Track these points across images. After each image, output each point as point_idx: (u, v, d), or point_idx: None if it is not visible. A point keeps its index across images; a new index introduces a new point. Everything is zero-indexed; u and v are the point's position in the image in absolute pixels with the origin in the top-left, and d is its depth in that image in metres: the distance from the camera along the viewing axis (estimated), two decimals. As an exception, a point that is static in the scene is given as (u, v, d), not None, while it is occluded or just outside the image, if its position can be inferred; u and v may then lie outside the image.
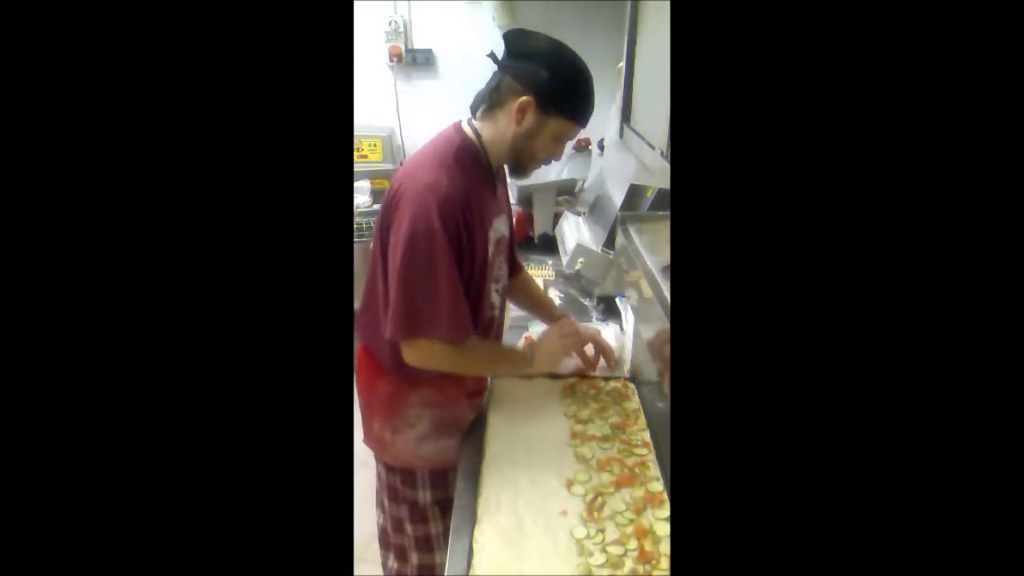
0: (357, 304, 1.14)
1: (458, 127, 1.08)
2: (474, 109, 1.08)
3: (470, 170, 1.04)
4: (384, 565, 1.34)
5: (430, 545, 1.23)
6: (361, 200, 2.49)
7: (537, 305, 1.41)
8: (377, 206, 1.87)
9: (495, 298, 1.18)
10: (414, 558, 1.25)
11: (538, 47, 1.00)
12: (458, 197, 0.98)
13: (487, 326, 1.17)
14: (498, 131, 1.04)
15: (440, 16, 2.68)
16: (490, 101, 1.04)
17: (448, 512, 1.17)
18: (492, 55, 1.03)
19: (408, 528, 1.23)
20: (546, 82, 0.98)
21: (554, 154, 1.07)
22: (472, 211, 1.01)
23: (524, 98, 0.99)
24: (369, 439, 1.21)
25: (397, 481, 1.20)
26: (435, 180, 0.97)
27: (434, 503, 1.20)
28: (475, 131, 1.06)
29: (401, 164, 1.07)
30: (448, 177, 0.98)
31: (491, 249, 1.10)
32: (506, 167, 1.11)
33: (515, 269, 1.35)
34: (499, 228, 1.14)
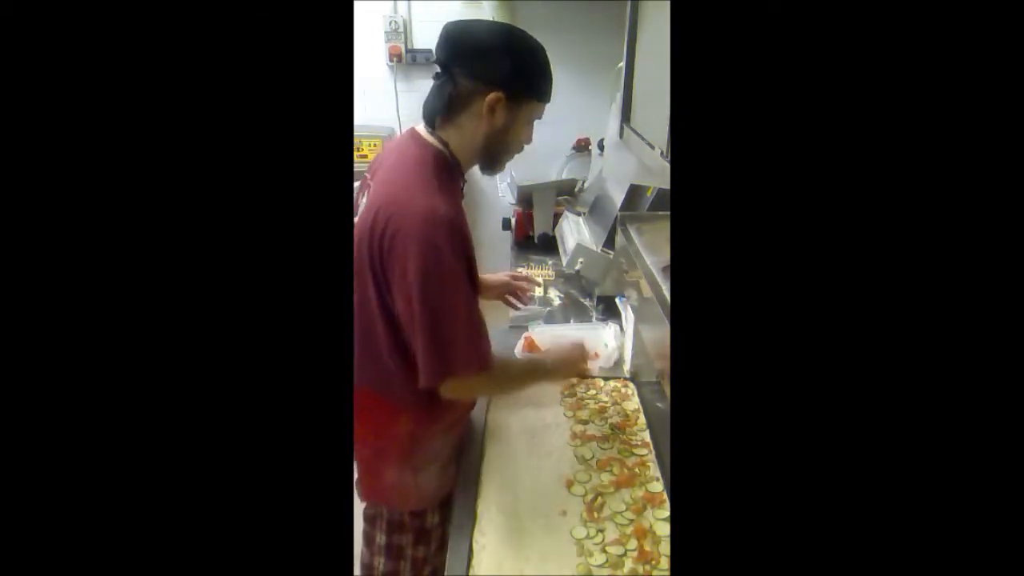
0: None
1: (418, 139, 1.01)
2: (431, 119, 1.01)
3: (449, 184, 0.98)
4: None
5: (430, 544, 1.17)
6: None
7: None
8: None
9: None
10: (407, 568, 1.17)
11: (488, 37, 0.95)
12: (457, 218, 0.93)
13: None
14: (465, 136, 0.99)
15: (440, 16, 2.66)
16: (450, 107, 0.97)
17: (448, 518, 1.12)
18: (438, 59, 0.97)
19: (409, 552, 1.16)
20: (512, 72, 0.94)
21: (527, 140, 1.05)
22: (467, 226, 0.98)
23: (493, 94, 0.94)
24: (376, 494, 1.12)
25: (405, 517, 1.13)
26: (431, 207, 0.90)
27: (440, 522, 1.15)
28: (440, 140, 1.00)
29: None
30: (441, 199, 0.92)
31: None
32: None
33: None
34: None
